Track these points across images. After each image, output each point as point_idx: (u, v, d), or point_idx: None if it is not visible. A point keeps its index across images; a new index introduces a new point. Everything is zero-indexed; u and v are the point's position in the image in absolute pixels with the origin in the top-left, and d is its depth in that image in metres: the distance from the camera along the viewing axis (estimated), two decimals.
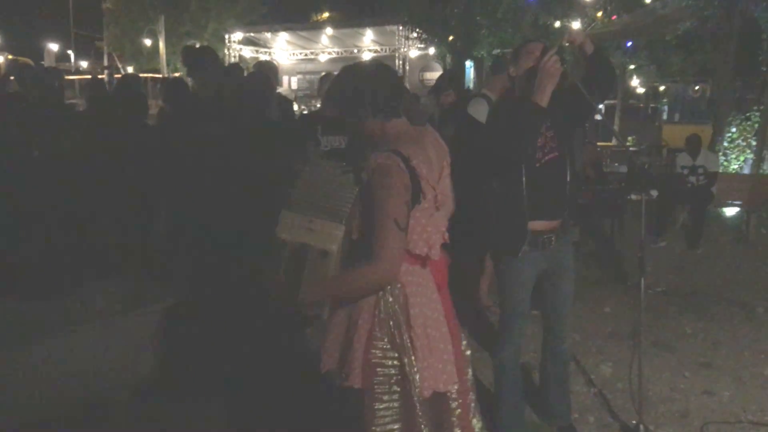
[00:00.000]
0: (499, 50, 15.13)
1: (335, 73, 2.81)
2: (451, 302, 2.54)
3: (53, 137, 5.20)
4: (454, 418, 2.44)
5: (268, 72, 5.56)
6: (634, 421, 3.78)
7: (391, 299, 2.31)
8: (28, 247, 4.79)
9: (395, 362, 2.32)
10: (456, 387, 2.43)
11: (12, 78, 7.80)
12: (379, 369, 2.32)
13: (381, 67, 2.48)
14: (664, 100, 22.06)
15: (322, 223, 2.25)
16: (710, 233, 8.82)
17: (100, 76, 17.89)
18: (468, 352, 2.60)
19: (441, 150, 2.47)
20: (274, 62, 6.54)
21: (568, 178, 3.46)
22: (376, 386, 2.32)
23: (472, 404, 2.57)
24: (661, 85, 20.99)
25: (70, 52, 27.34)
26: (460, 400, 2.47)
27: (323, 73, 6.50)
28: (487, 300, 5.49)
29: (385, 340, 2.31)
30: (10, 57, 21.07)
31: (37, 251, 4.74)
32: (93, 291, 3.98)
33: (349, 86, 2.40)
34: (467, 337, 2.66)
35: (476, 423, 2.59)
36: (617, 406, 4.15)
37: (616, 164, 14.74)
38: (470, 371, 2.60)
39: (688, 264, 7.61)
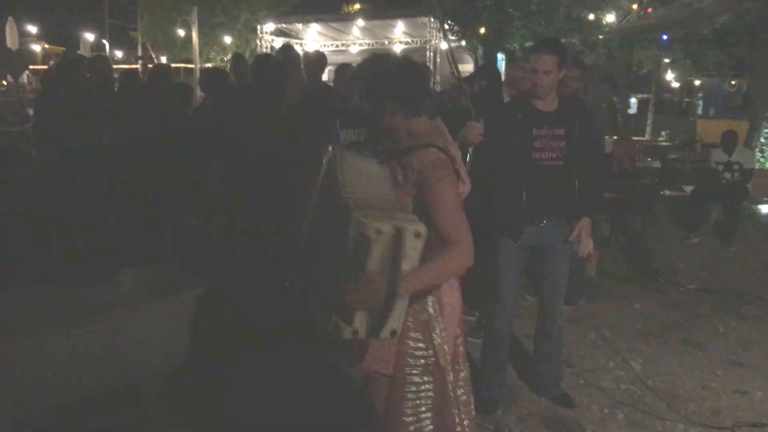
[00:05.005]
0: (531, 43, 14.99)
1: (352, 64, 2.78)
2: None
3: (91, 127, 5.25)
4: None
5: (288, 60, 5.44)
6: (664, 419, 3.75)
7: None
8: (62, 236, 4.86)
9: (427, 353, 2.35)
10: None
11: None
12: (411, 359, 2.34)
13: (407, 61, 2.47)
14: (699, 95, 21.73)
15: (399, 213, 2.11)
16: (744, 231, 8.68)
17: (133, 66, 18.09)
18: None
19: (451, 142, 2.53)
20: (311, 51, 6.29)
21: (576, 187, 3.67)
22: (407, 375, 2.35)
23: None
24: (697, 79, 20.63)
25: (105, 41, 27.62)
26: (465, 387, 2.53)
27: (338, 65, 6.32)
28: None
29: (418, 333, 2.34)
30: (47, 46, 21.37)
31: (71, 241, 4.81)
32: (126, 280, 4.03)
33: (375, 75, 2.38)
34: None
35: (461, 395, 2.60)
36: (647, 404, 4.11)
37: (649, 159, 14.58)
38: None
39: (722, 262, 7.49)
